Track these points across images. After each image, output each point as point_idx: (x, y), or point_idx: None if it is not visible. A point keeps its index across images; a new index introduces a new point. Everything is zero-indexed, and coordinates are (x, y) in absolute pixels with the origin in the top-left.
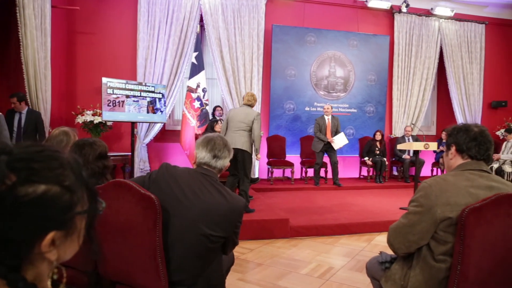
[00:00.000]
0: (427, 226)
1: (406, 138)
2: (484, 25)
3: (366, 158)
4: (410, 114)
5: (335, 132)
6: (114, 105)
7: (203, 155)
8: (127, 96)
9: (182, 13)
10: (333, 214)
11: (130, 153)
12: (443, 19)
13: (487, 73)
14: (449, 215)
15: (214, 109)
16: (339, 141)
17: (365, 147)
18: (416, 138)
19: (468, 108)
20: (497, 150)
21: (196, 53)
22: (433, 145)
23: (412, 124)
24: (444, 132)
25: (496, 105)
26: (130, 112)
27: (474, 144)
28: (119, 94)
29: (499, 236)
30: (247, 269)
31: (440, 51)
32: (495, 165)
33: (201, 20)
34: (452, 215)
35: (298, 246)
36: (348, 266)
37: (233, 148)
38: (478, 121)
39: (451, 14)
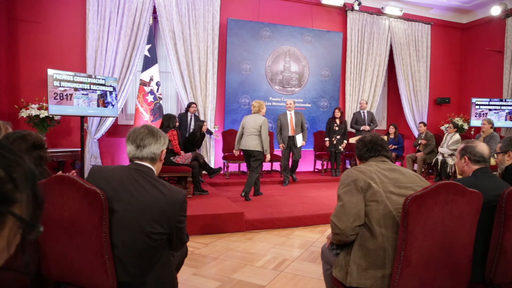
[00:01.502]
0: (357, 197)
1: (362, 112)
2: (429, 25)
3: (327, 139)
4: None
5: (300, 128)
6: (61, 98)
7: (129, 149)
8: (76, 89)
9: (134, 4)
10: (288, 207)
11: (80, 149)
12: (392, 18)
13: (433, 71)
14: (370, 182)
15: (189, 106)
16: (299, 139)
17: (326, 126)
18: (372, 115)
19: (415, 104)
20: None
21: (149, 46)
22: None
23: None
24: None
25: (441, 102)
26: (79, 106)
27: (365, 150)
28: (67, 87)
29: (438, 222)
30: (202, 263)
31: (390, 49)
32: (440, 157)
33: (154, 11)
34: (372, 184)
35: (253, 240)
36: (302, 257)
37: (247, 150)
38: (425, 116)
39: (400, 14)
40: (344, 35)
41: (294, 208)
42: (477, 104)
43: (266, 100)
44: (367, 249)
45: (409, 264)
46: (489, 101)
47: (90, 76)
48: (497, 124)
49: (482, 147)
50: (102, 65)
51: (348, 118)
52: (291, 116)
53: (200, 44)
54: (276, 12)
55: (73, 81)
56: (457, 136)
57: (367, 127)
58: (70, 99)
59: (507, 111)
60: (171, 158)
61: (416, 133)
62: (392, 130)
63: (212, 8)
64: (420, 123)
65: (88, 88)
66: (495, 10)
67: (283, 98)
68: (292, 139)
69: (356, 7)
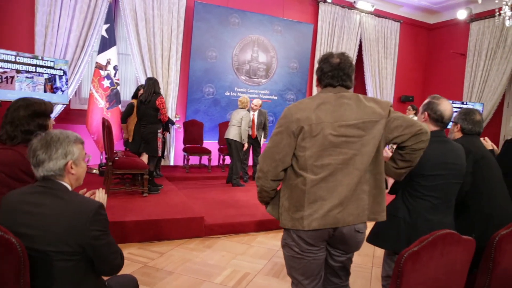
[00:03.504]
0: (288, 140)
1: None
2: (399, 23)
3: None
4: None
5: (262, 129)
6: (0, 81)
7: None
8: (18, 71)
9: None
10: (250, 208)
11: None
12: (364, 13)
13: (399, 69)
14: (302, 125)
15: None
16: (261, 139)
17: None
18: None
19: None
20: None
21: (107, 26)
22: None
23: None
24: None
25: (405, 100)
26: (22, 91)
27: (329, 76)
28: (7, 69)
29: (431, 277)
30: (156, 279)
31: (360, 45)
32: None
33: None
34: (304, 126)
35: (212, 248)
36: (264, 270)
37: (227, 138)
38: None
39: (372, 9)
40: (314, 27)
41: (257, 210)
42: None
43: (231, 90)
44: (289, 188)
45: None
46: (451, 103)
47: (36, 57)
48: None
49: (445, 106)
50: (53, 43)
51: None
52: (253, 117)
53: (163, 27)
54: None
55: (15, 62)
56: (415, 119)
57: None
58: (11, 83)
59: None
60: (158, 131)
61: None
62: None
63: None
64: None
65: (34, 70)
66: (461, 14)
67: (249, 89)
68: (255, 140)
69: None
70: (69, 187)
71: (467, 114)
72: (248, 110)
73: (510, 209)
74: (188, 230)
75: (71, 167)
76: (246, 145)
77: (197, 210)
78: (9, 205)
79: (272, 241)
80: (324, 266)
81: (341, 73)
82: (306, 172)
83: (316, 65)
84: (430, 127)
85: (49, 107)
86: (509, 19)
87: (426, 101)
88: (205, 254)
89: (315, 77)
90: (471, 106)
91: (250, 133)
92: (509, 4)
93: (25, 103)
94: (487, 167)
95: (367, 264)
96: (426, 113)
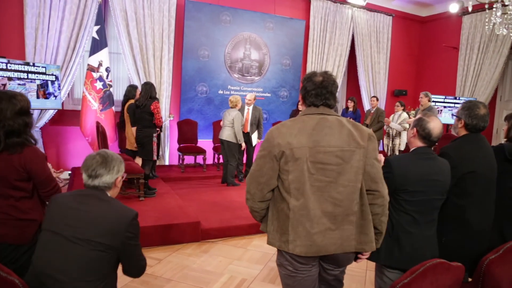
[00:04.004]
0: (271, 164)
1: None
2: (391, 17)
3: None
4: None
5: (256, 125)
6: None
7: (83, 176)
8: (10, 79)
9: None
10: (245, 210)
11: None
12: (356, 8)
13: (392, 63)
14: (284, 150)
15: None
16: (254, 137)
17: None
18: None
19: (374, 94)
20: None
21: (97, 27)
22: None
23: None
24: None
25: (398, 94)
26: None
27: (313, 94)
28: None
29: None
30: (155, 287)
31: (352, 39)
32: (386, 142)
33: None
34: (286, 151)
35: (209, 253)
36: (261, 276)
37: (221, 139)
38: (382, 108)
39: (364, 3)
40: (306, 23)
41: None
42: (433, 101)
43: (224, 88)
44: (276, 210)
45: None
46: (444, 98)
47: (27, 64)
48: (450, 121)
49: (434, 125)
50: (43, 45)
51: None
52: (248, 112)
53: (155, 26)
54: None
55: (6, 69)
56: (404, 115)
57: None
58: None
59: None
60: (154, 134)
61: None
62: (350, 104)
63: None
64: (372, 97)
65: (26, 77)
66: (453, 7)
67: (242, 87)
68: (246, 135)
69: None
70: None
71: (470, 109)
72: (242, 107)
73: (488, 224)
74: (185, 235)
75: (118, 182)
76: (243, 145)
77: (193, 215)
78: (58, 205)
79: (267, 245)
80: (318, 278)
81: (324, 91)
82: (289, 196)
83: (309, 64)
84: (417, 143)
85: (29, 102)
86: (505, 27)
87: (417, 117)
88: (202, 259)
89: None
90: (463, 101)
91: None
92: (497, 14)
93: (7, 96)
94: (473, 182)
95: (361, 268)
96: (415, 129)
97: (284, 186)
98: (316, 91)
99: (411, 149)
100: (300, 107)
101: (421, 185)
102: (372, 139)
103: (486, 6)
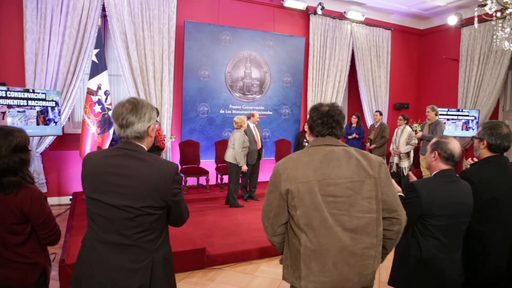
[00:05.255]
0: (278, 201)
1: None
2: (390, 31)
3: None
4: None
5: (261, 140)
6: None
7: (115, 127)
8: (10, 106)
9: (80, 2)
10: (250, 233)
11: None
12: (354, 23)
13: (393, 76)
14: (289, 187)
15: None
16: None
17: (295, 141)
18: None
19: (377, 109)
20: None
21: (97, 50)
22: None
23: None
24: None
25: (400, 107)
26: (14, 125)
27: (319, 123)
28: None
29: None
30: None
31: (352, 54)
32: (396, 160)
33: (104, 10)
34: (291, 187)
35: (216, 281)
36: None
37: (225, 159)
38: (384, 121)
39: (362, 18)
40: (306, 40)
41: (258, 234)
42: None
43: (226, 108)
44: (289, 245)
45: None
46: (447, 111)
47: (27, 91)
48: (454, 133)
49: (454, 145)
50: (43, 70)
51: None
52: (255, 128)
53: (155, 48)
54: (237, 15)
55: (6, 97)
56: (408, 129)
57: None
58: (3, 118)
59: (463, 121)
60: None
61: None
62: (354, 119)
63: (168, 9)
64: (376, 111)
65: (25, 104)
66: (452, 20)
67: (243, 106)
68: (259, 152)
69: (319, 11)
70: (146, 149)
71: (493, 128)
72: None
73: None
74: (190, 263)
75: (150, 130)
76: (244, 167)
77: (198, 241)
78: (95, 168)
79: (275, 270)
80: None
81: (330, 120)
82: (300, 231)
83: (310, 81)
84: (440, 166)
85: (28, 138)
86: (508, 42)
87: (434, 141)
88: None
89: (310, 95)
90: (466, 113)
91: (257, 147)
92: (506, 30)
93: (3, 132)
94: (494, 208)
95: None
96: (435, 152)
97: (294, 221)
98: (322, 120)
99: (434, 173)
100: (308, 137)
101: (447, 209)
102: (383, 167)
103: (494, 16)
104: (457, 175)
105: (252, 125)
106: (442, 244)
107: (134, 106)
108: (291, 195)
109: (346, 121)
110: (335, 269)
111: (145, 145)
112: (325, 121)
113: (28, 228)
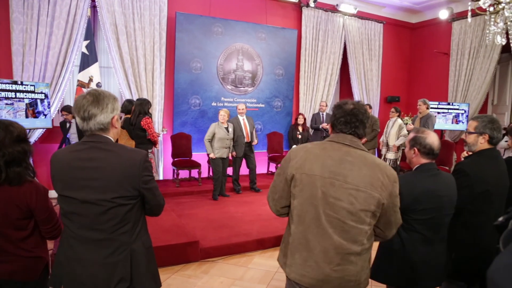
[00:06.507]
0: (283, 185)
1: (321, 114)
2: (382, 24)
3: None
4: (316, 108)
5: (251, 134)
6: None
7: (77, 120)
8: None
9: None
10: (244, 226)
11: None
12: (347, 16)
13: (384, 70)
14: (294, 174)
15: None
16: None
17: (288, 135)
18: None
19: (367, 102)
20: None
21: (87, 42)
22: None
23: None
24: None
25: (391, 100)
26: (2, 118)
27: (342, 121)
28: None
29: None
30: None
31: (344, 47)
32: (383, 151)
33: (93, 0)
34: (296, 175)
35: (210, 273)
36: None
37: None
38: (376, 114)
39: (354, 11)
40: (298, 32)
41: (251, 226)
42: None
43: (218, 100)
44: (285, 231)
45: None
46: (438, 104)
47: (15, 82)
48: (444, 126)
49: (432, 138)
50: (31, 62)
51: (307, 120)
52: (244, 121)
53: (146, 39)
54: (229, 7)
55: None
56: (399, 121)
57: (325, 125)
58: None
59: (453, 114)
60: (149, 151)
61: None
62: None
63: (159, 0)
64: (366, 105)
65: (13, 96)
66: (443, 14)
67: (235, 99)
68: (248, 145)
69: (312, 4)
70: (113, 140)
71: (493, 122)
72: (236, 118)
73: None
74: (184, 256)
75: (115, 121)
76: (211, 155)
77: (191, 234)
78: (62, 165)
79: (269, 262)
80: None
81: (353, 119)
82: (292, 220)
83: (302, 73)
84: (421, 161)
85: (25, 130)
86: (501, 37)
87: (411, 136)
88: (203, 281)
89: (302, 88)
90: (457, 107)
91: (245, 140)
92: (499, 25)
93: (3, 124)
94: (487, 201)
95: None
96: (415, 148)
97: (291, 209)
98: (346, 119)
99: (415, 167)
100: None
101: (429, 202)
102: (395, 185)
103: (487, 10)
104: (450, 167)
105: (241, 118)
106: (424, 238)
107: (96, 97)
108: (294, 183)
109: None
110: (317, 267)
111: (111, 136)
112: (348, 119)
113: (32, 223)
